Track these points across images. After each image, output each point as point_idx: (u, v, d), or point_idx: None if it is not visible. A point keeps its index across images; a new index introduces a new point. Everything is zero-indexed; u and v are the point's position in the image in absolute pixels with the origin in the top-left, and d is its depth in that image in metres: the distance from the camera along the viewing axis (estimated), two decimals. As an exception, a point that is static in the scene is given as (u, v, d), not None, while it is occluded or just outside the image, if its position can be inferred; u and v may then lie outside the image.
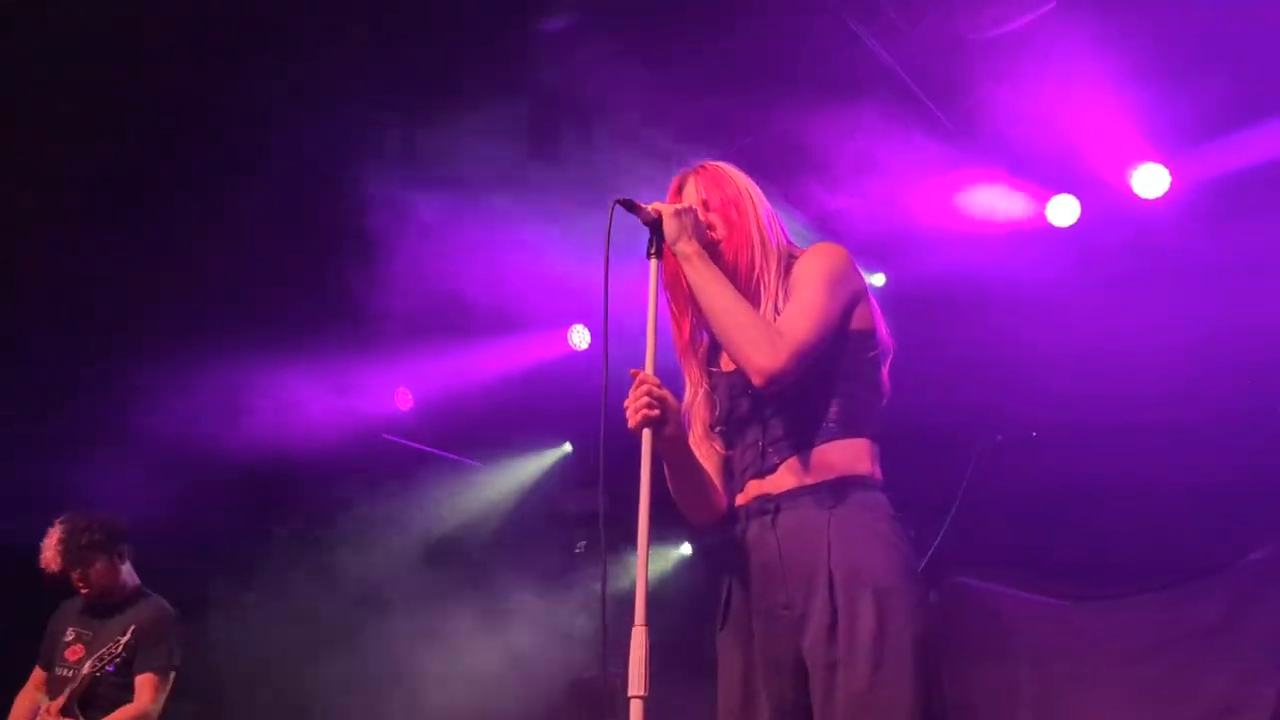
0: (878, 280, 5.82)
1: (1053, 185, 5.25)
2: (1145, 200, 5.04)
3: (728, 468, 2.48)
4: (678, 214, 2.30)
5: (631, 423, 2.18)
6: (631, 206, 2.31)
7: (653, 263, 2.30)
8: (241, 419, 5.94)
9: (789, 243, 2.49)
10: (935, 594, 5.26)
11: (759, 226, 2.44)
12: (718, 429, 2.44)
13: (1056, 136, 4.93)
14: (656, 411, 2.17)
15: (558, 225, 5.32)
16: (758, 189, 2.52)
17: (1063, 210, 5.25)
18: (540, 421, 7.04)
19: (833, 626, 2.12)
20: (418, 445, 6.92)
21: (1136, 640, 5.05)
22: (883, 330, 2.43)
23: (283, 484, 6.29)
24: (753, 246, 2.41)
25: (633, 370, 2.21)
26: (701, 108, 4.88)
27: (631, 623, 1.96)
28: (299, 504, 6.64)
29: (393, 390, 6.76)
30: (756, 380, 2.20)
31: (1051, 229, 5.28)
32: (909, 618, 2.11)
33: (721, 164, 2.53)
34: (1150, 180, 5.00)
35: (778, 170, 5.10)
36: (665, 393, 2.19)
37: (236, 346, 5.66)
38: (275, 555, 6.51)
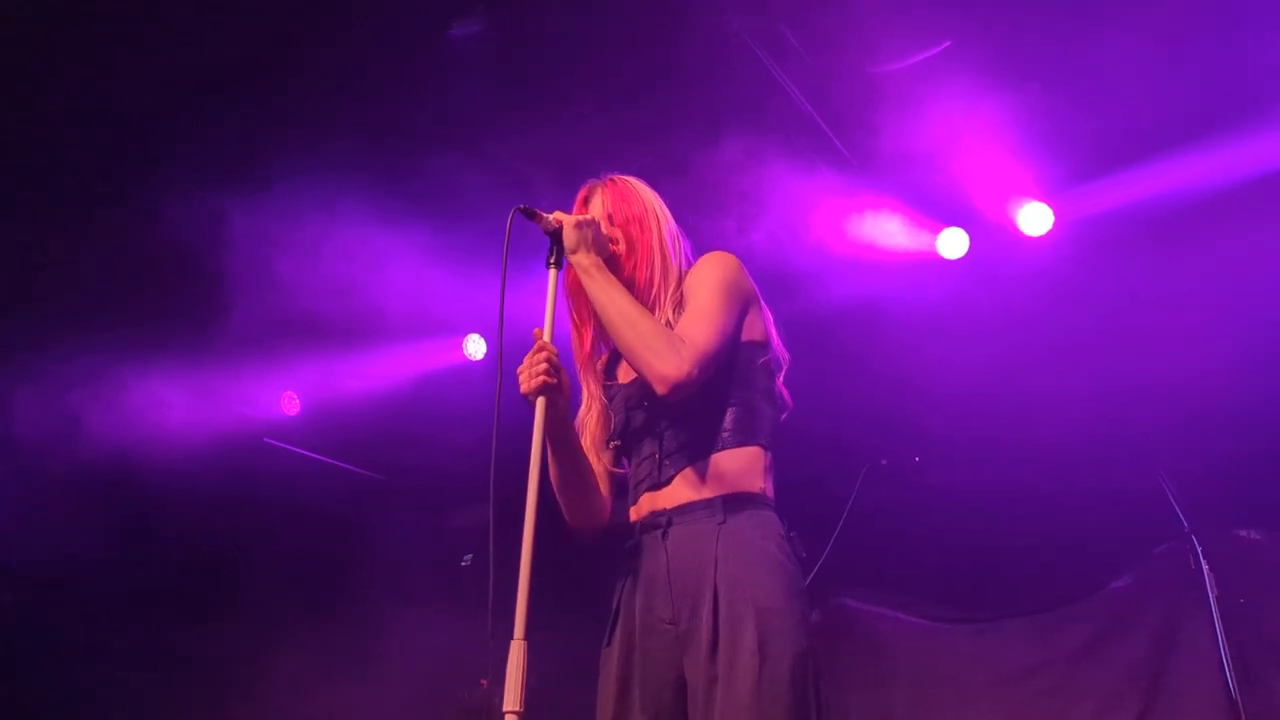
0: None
1: (944, 219, 5.39)
2: (1030, 237, 5.22)
3: (619, 483, 2.48)
4: (579, 225, 2.30)
5: (526, 387, 2.17)
6: (532, 215, 2.29)
7: (551, 272, 2.29)
8: (94, 423, 5.70)
9: (691, 262, 2.50)
10: (816, 614, 5.34)
11: (661, 244, 2.45)
12: (612, 444, 2.43)
13: (948, 172, 5.07)
14: (554, 379, 2.17)
15: (455, 233, 5.28)
16: (664, 206, 2.53)
17: (952, 243, 5.39)
18: (433, 431, 6.94)
19: (714, 644, 2.12)
20: (303, 451, 6.73)
21: (1007, 664, 5.19)
22: (776, 339, 2.46)
23: (139, 493, 6.02)
24: (653, 264, 2.42)
25: (536, 330, 2.20)
26: (600, 127, 4.89)
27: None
28: (163, 517, 6.36)
29: (278, 395, 6.58)
30: (660, 389, 2.19)
31: (942, 261, 5.42)
32: (791, 639, 2.12)
33: (630, 179, 2.55)
34: (1035, 218, 5.18)
35: (674, 193, 5.14)
36: (560, 365, 2.20)
37: (91, 349, 5.45)
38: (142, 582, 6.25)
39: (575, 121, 4.86)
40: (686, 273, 2.44)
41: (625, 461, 2.47)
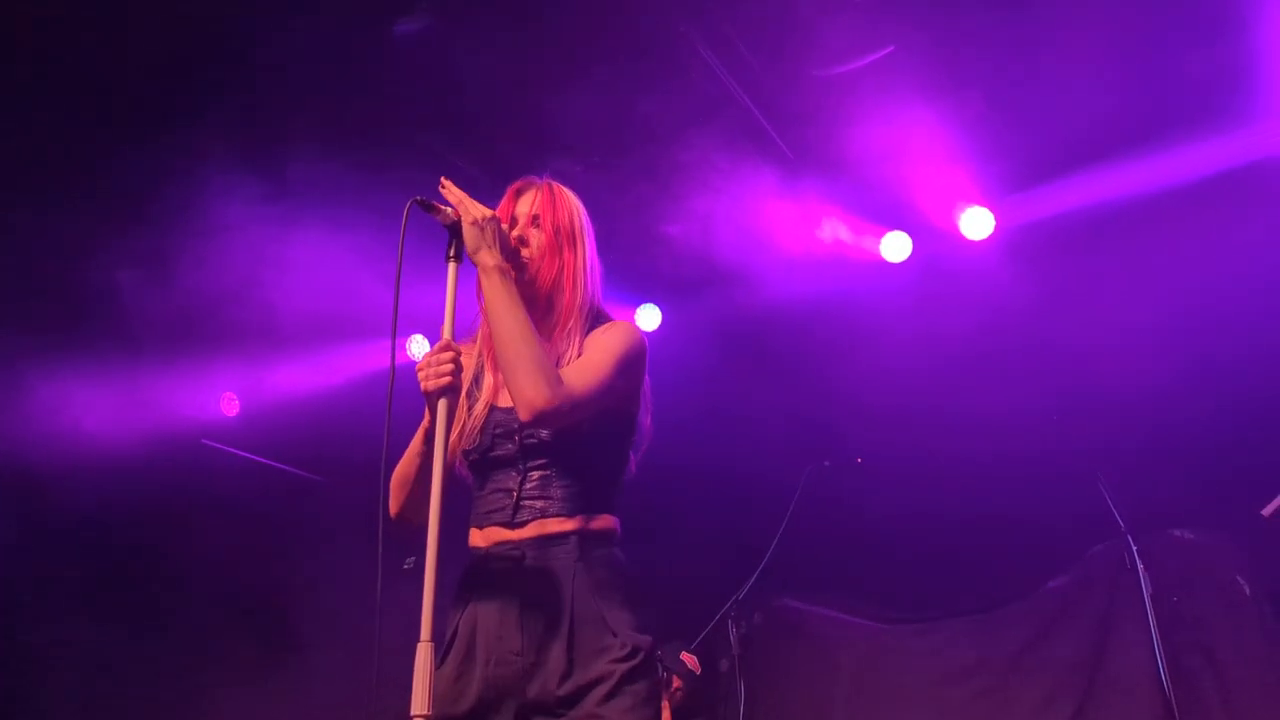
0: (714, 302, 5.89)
1: (888, 222, 5.45)
2: (972, 241, 5.29)
3: (467, 499, 2.42)
4: (476, 223, 2.22)
5: (428, 385, 2.13)
6: (428, 207, 2.22)
7: (450, 266, 2.21)
8: (24, 427, 5.56)
9: (598, 296, 2.46)
10: (759, 615, 5.35)
11: (581, 265, 2.40)
12: (472, 458, 2.36)
13: (892, 176, 5.12)
14: (457, 381, 2.14)
15: (397, 233, 5.21)
16: (591, 229, 2.47)
17: (896, 247, 5.45)
18: (375, 433, 6.84)
19: (567, 674, 2.12)
20: (242, 453, 6.62)
21: (948, 663, 5.25)
22: (646, 423, 2.45)
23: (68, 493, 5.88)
24: (567, 281, 2.37)
25: (445, 336, 2.16)
26: (540, 130, 4.88)
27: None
28: (89, 519, 6.22)
29: (217, 395, 6.46)
30: (523, 414, 2.15)
31: (885, 264, 5.47)
32: (644, 673, 2.15)
33: (566, 190, 2.48)
34: (976, 223, 5.25)
35: (620, 192, 5.15)
36: (464, 365, 2.18)
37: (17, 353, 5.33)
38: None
39: (515, 125, 4.84)
40: (595, 309, 2.42)
41: (472, 473, 2.41)
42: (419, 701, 1.85)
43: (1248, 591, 4.71)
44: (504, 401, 2.34)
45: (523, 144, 4.98)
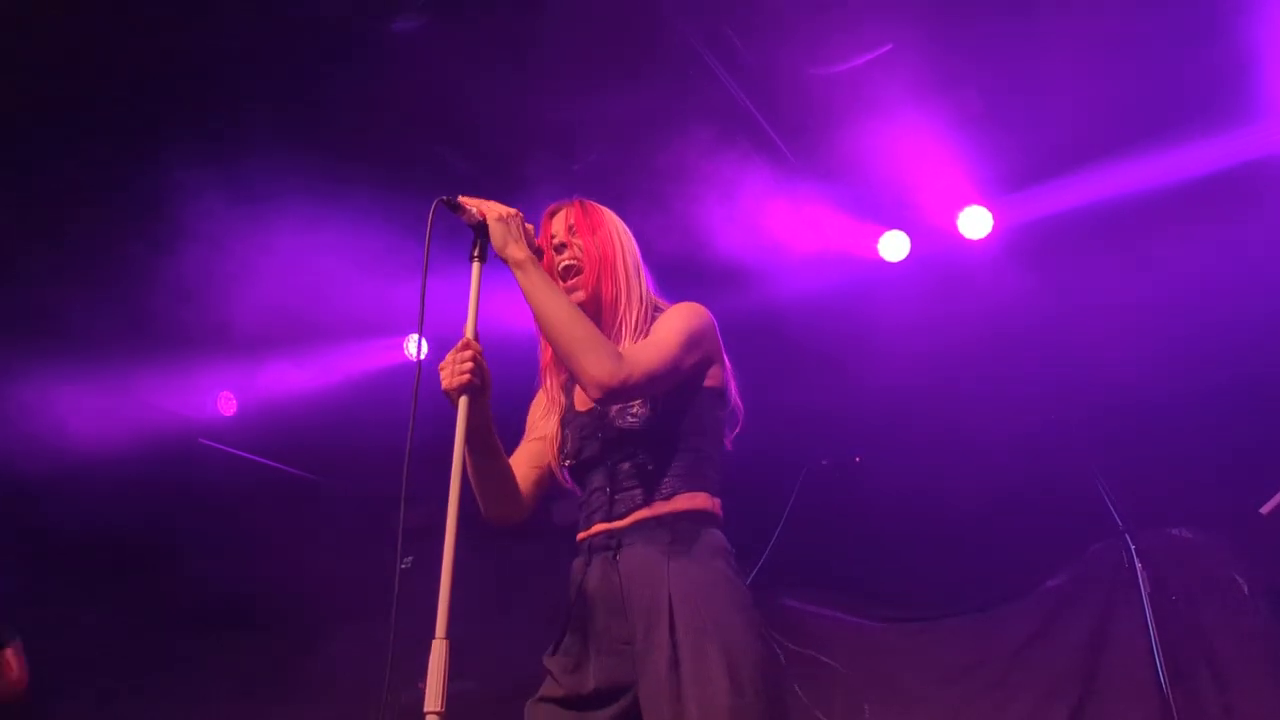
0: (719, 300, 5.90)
1: (885, 221, 5.45)
2: (970, 240, 5.29)
3: (543, 486, 2.47)
4: (503, 219, 2.24)
5: (448, 384, 2.14)
6: (454, 206, 2.24)
7: (474, 266, 2.22)
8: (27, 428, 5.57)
9: (655, 294, 2.51)
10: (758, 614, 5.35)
11: (626, 268, 2.44)
12: (565, 464, 2.42)
13: (890, 175, 5.12)
14: (477, 379, 2.14)
15: (397, 233, 5.23)
16: (630, 235, 2.52)
17: (894, 246, 5.44)
18: (373, 432, 6.85)
19: (675, 660, 2.12)
20: (239, 452, 6.61)
21: (945, 662, 5.24)
22: (734, 395, 2.47)
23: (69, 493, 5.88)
24: (617, 281, 2.41)
25: (468, 335, 2.17)
26: (543, 123, 4.88)
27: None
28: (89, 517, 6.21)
29: (215, 395, 6.46)
30: (592, 393, 2.18)
31: (883, 263, 5.47)
32: (753, 649, 2.14)
33: (598, 204, 2.53)
34: (975, 222, 5.25)
35: (618, 191, 5.15)
36: (485, 364, 2.17)
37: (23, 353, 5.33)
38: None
39: (517, 123, 4.84)
40: (654, 306, 2.47)
41: (574, 481, 2.46)
42: (432, 698, 1.84)
43: (1245, 590, 4.71)
44: (581, 405, 2.41)
45: (518, 144, 4.98)
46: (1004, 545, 5.13)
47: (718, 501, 2.35)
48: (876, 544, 5.40)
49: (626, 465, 2.31)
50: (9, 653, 4.49)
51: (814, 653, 5.49)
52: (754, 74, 4.67)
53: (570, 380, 2.48)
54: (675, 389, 2.30)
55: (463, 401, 2.12)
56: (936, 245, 5.40)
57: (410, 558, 6.26)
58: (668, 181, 5.00)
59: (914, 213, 5.35)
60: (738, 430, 2.49)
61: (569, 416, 2.44)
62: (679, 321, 2.34)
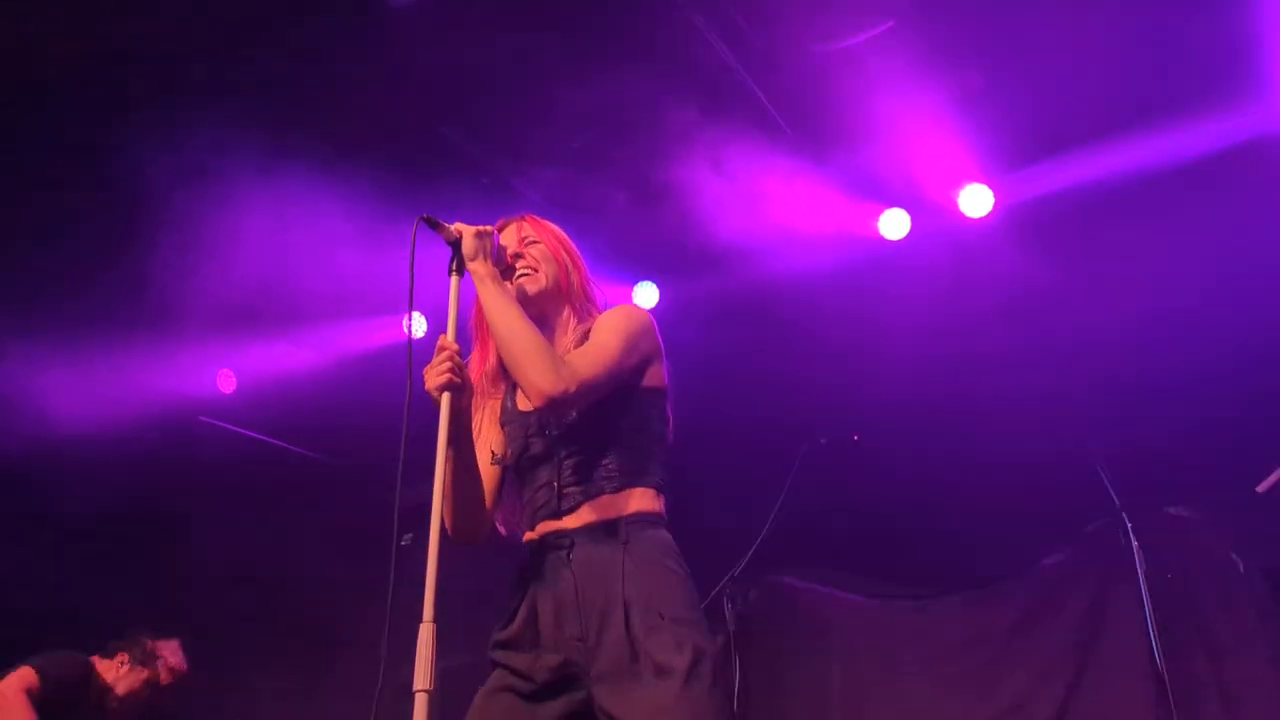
0: (710, 283, 5.88)
1: (885, 199, 5.43)
2: (971, 219, 5.28)
3: (517, 503, 2.53)
4: (478, 234, 2.37)
5: (430, 384, 2.25)
6: (435, 225, 2.36)
7: (453, 280, 2.36)
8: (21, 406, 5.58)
9: (597, 300, 2.64)
10: (755, 591, 5.37)
11: (576, 270, 2.60)
12: (509, 466, 2.51)
13: (890, 152, 5.11)
14: (458, 379, 2.25)
15: (397, 210, 5.22)
16: (575, 249, 2.66)
17: (893, 224, 5.43)
18: (372, 410, 6.87)
19: (632, 653, 2.20)
20: (239, 430, 6.63)
21: (942, 639, 5.26)
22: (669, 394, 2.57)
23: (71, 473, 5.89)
24: (566, 284, 2.56)
25: (442, 337, 2.29)
26: (542, 107, 4.86)
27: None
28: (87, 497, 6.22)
29: (214, 372, 6.46)
30: (535, 400, 2.28)
31: (883, 241, 5.46)
32: (704, 642, 2.24)
33: (544, 220, 2.68)
34: (975, 200, 5.23)
35: (617, 168, 5.14)
36: (462, 364, 2.29)
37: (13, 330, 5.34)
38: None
39: (518, 102, 4.83)
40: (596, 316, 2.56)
41: (512, 483, 2.54)
42: (421, 677, 1.96)
43: (1241, 568, 4.72)
44: (524, 405, 2.48)
45: (515, 121, 4.97)
46: (1002, 523, 5.14)
47: (663, 499, 2.44)
48: (874, 522, 5.41)
49: (571, 462, 2.39)
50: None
51: (812, 630, 5.51)
52: (753, 50, 4.65)
53: (513, 386, 2.56)
54: (617, 389, 2.39)
55: (445, 398, 2.24)
56: (937, 223, 5.39)
57: (410, 534, 6.30)
58: (665, 159, 4.99)
59: (914, 190, 5.34)
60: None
61: (510, 417, 2.53)
62: (617, 324, 2.44)
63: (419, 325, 6.28)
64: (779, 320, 5.55)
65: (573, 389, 2.25)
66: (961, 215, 5.28)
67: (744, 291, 5.66)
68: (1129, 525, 4.32)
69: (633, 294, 5.83)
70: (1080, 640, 4.90)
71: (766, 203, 5.28)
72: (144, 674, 4.64)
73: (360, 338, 6.34)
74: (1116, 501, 4.36)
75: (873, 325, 5.35)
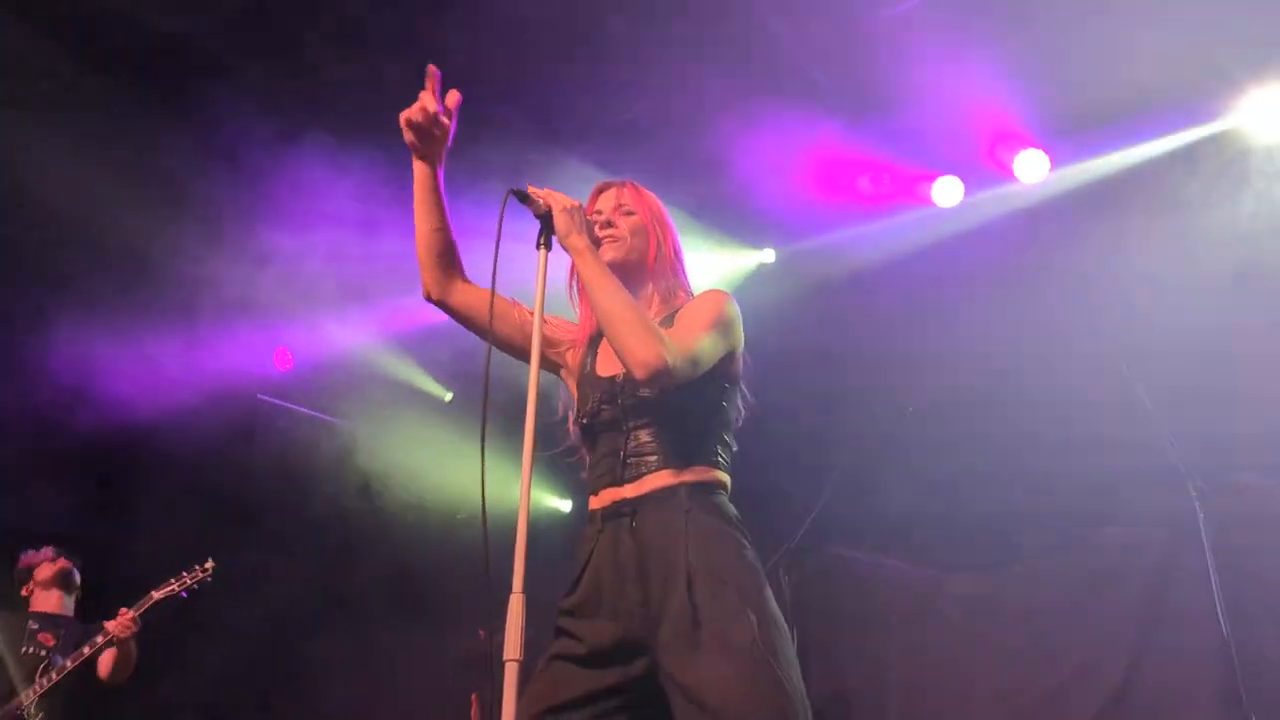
0: (767, 256, 5.87)
1: (939, 167, 5.36)
2: (1026, 185, 5.20)
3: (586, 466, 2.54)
4: (567, 210, 2.36)
5: (405, 114, 2.39)
6: (524, 198, 2.35)
7: (541, 253, 2.34)
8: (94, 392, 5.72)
9: (685, 277, 2.64)
10: (811, 563, 5.34)
11: (668, 245, 2.58)
12: (579, 423, 2.52)
13: (944, 119, 5.03)
14: (419, 119, 2.38)
15: (455, 192, 5.24)
16: (672, 226, 2.65)
17: (947, 191, 5.37)
18: (425, 386, 6.96)
19: (695, 619, 2.19)
20: (297, 407, 6.73)
21: (1003, 610, 5.21)
22: (744, 389, 2.57)
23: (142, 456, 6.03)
24: (656, 259, 2.55)
25: (537, 321, 2.26)
26: (585, 79, 4.86)
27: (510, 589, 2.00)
28: (162, 476, 6.37)
29: (271, 351, 6.57)
30: (639, 373, 2.26)
31: (936, 209, 5.39)
32: (769, 610, 2.24)
33: (645, 190, 2.66)
34: (1031, 165, 5.15)
35: (666, 144, 5.12)
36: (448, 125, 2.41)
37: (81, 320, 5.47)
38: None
39: (561, 73, 4.82)
40: (682, 288, 2.58)
41: (584, 443, 2.55)
42: (511, 647, 1.98)
43: (1312, 537, 4.61)
44: (603, 370, 2.50)
45: (565, 94, 4.96)
46: (1063, 492, 5.06)
47: (728, 479, 2.43)
48: (933, 493, 5.35)
49: (641, 433, 2.40)
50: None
51: (868, 602, 5.48)
52: (806, 18, 4.59)
53: (590, 348, 2.58)
54: (708, 367, 2.39)
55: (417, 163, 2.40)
56: (991, 190, 5.31)
57: (465, 511, 6.33)
58: (717, 130, 4.96)
59: (968, 157, 5.26)
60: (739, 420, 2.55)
61: (587, 378, 2.53)
62: (712, 308, 2.44)
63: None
64: (832, 293, 5.51)
65: (678, 364, 2.26)
66: (1017, 181, 5.20)
67: (796, 265, 5.63)
68: (1195, 492, 4.24)
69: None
70: (1144, 612, 4.83)
71: (816, 171, 5.25)
72: (23, 590, 4.81)
73: (413, 314, 6.40)
74: (1182, 469, 4.27)
75: (926, 294, 5.30)
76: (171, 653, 5.93)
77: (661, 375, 2.24)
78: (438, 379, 6.97)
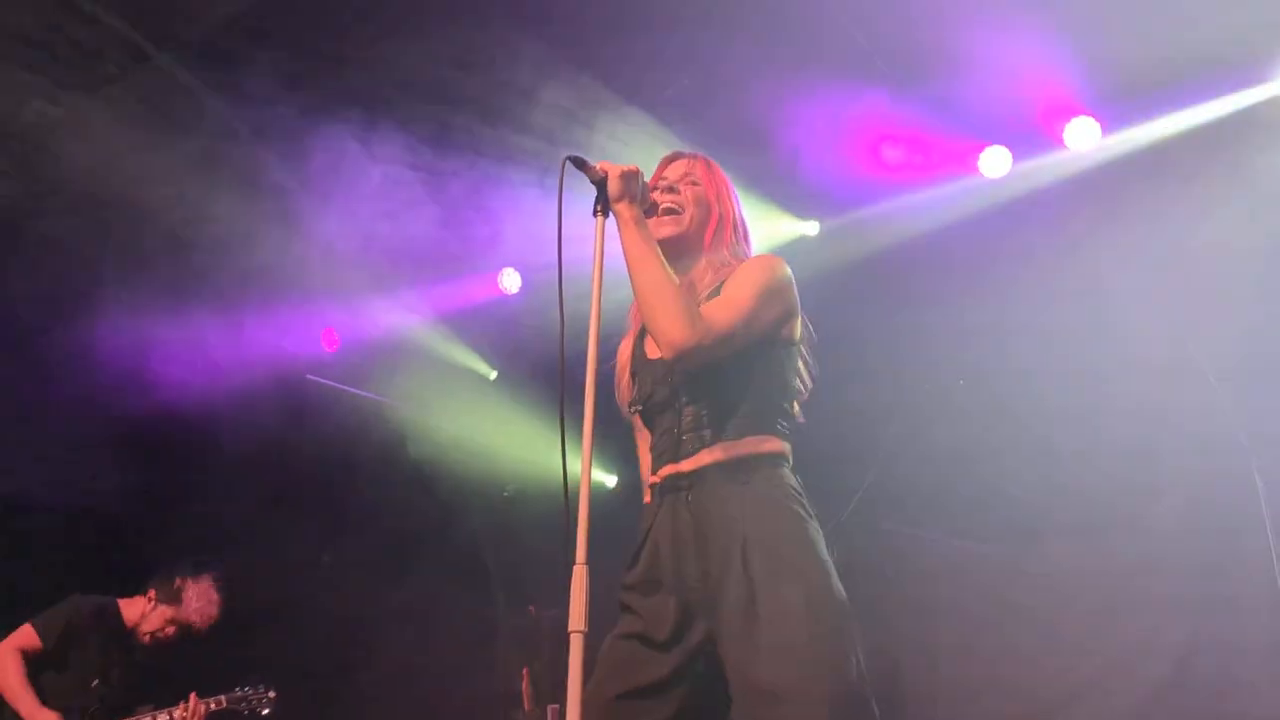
0: (811, 229, 5.82)
1: (987, 136, 5.28)
2: (1076, 152, 5.11)
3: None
4: (623, 175, 2.35)
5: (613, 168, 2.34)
6: (581, 164, 2.35)
7: (599, 220, 2.34)
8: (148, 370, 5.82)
9: (747, 253, 2.60)
10: (861, 539, 5.33)
11: (729, 218, 2.56)
12: (633, 409, 2.55)
13: (992, 88, 4.95)
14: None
15: (489, 168, 5.26)
16: (737, 197, 2.64)
17: (996, 162, 5.29)
18: (470, 364, 7.01)
19: (752, 595, 2.19)
20: (344, 387, 6.80)
21: (1053, 586, 5.16)
22: (806, 355, 2.55)
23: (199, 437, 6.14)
24: (716, 230, 2.53)
25: (595, 287, 2.23)
26: (633, 53, 4.83)
27: (572, 561, 2.02)
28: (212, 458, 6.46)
29: (318, 332, 6.64)
30: (666, 352, 2.28)
31: (983, 180, 5.32)
32: (828, 584, 2.22)
33: (717, 166, 2.66)
34: (1082, 133, 5.06)
35: (710, 116, 5.08)
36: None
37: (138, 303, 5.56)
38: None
39: (608, 46, 4.80)
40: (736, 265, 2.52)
41: (645, 426, 2.57)
42: (576, 618, 2.00)
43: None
44: (653, 352, 2.50)
45: (608, 70, 4.94)
46: (1118, 464, 4.98)
47: (786, 445, 2.41)
48: (985, 467, 5.29)
49: (694, 409, 2.39)
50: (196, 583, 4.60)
51: (919, 577, 5.45)
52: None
53: (641, 331, 2.59)
54: (747, 343, 2.36)
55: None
56: (1040, 159, 5.22)
57: (512, 486, 6.38)
58: (761, 101, 4.92)
59: (1017, 126, 5.17)
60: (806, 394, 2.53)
61: (639, 364, 2.55)
62: (755, 278, 2.40)
63: (513, 281, 6.35)
64: (879, 266, 5.46)
65: (705, 342, 2.25)
66: (1067, 149, 5.11)
67: (842, 238, 5.58)
68: (1255, 462, 4.17)
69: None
70: (1202, 588, 4.75)
71: (862, 142, 5.19)
72: (168, 612, 4.64)
73: (459, 292, 6.44)
74: (1244, 441, 4.20)
75: (975, 265, 5.23)
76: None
77: (689, 355, 2.25)
78: (482, 356, 7.02)
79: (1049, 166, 5.22)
